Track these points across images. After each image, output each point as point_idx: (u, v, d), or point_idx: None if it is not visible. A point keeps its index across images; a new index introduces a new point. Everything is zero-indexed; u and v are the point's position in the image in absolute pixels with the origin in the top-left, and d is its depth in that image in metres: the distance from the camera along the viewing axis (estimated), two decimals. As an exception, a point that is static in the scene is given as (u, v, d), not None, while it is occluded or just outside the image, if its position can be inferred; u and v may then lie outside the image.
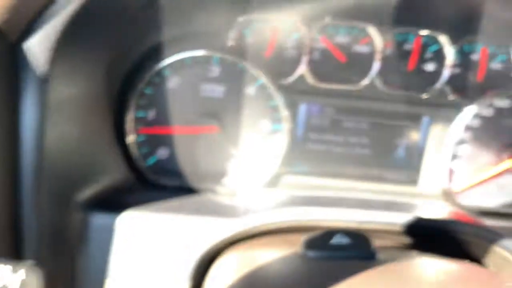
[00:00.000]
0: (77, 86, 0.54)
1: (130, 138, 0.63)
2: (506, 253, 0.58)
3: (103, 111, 0.61)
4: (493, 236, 0.59)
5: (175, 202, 0.61)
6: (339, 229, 0.53)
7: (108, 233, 0.58)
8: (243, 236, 0.54)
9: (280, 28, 0.65)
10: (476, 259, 0.54)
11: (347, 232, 0.55)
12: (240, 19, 0.64)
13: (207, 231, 0.55)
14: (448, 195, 0.69)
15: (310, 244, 0.50)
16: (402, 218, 0.57)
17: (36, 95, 0.47)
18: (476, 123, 0.66)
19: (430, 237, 0.59)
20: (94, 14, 0.50)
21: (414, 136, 0.68)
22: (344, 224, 0.56)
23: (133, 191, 0.63)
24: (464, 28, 0.67)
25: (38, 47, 0.46)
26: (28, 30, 0.47)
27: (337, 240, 0.52)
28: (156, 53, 0.62)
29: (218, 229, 0.54)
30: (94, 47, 0.54)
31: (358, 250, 0.51)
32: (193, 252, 0.52)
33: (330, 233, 0.56)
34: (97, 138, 0.58)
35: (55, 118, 0.50)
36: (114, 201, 0.59)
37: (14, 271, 0.35)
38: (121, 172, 0.63)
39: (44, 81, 0.46)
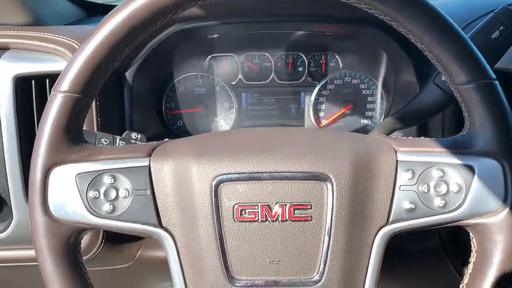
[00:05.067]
0: (144, 88, 1.05)
1: (165, 117, 1.21)
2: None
3: (153, 105, 1.19)
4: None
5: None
6: None
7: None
8: None
9: (227, 59, 1.19)
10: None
11: None
12: (209, 56, 1.19)
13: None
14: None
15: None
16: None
17: (128, 92, 1.12)
18: (325, 92, 1.18)
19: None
20: (150, 58, 1.00)
21: (298, 102, 1.19)
22: None
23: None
24: (313, 48, 1.17)
25: (129, 73, 1.12)
26: (126, 67, 0.99)
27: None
28: (171, 75, 1.14)
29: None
30: (149, 74, 1.05)
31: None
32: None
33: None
34: (152, 115, 1.20)
35: (135, 104, 1.02)
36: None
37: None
38: (161, 131, 1.16)
39: (130, 87, 1.13)
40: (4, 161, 0.87)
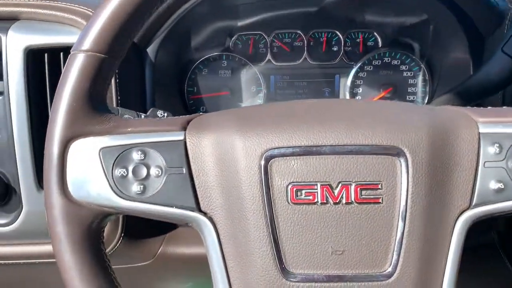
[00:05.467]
0: (166, 66, 1.00)
1: (187, 101, 1.14)
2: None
3: (176, 87, 1.12)
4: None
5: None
6: None
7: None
8: None
9: (254, 37, 1.12)
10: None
11: None
12: (236, 35, 1.12)
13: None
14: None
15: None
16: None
17: (150, 70, 1.03)
18: (362, 74, 1.10)
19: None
20: (172, 33, 0.95)
21: (332, 85, 1.12)
22: None
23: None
24: (349, 25, 1.10)
25: (151, 50, 1.03)
26: (147, 43, 0.95)
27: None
28: (194, 55, 1.11)
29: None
30: (172, 51, 1.01)
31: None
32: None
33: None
34: (174, 98, 1.11)
35: (157, 84, 0.97)
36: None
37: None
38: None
39: (152, 64, 1.03)
40: (14, 143, 0.78)
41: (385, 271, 0.54)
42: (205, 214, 0.54)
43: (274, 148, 0.54)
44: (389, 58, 1.11)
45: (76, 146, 0.53)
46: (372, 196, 0.53)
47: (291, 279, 0.54)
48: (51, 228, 0.55)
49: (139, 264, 1.03)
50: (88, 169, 0.53)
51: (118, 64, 0.58)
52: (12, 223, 0.85)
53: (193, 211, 0.54)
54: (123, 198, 0.54)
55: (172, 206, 0.54)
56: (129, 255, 1.00)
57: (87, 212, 0.54)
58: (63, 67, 0.85)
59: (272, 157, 0.54)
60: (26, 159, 0.82)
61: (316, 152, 0.54)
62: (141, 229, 0.98)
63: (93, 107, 0.54)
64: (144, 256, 1.03)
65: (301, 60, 1.10)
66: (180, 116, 0.62)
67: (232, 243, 0.55)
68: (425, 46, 1.08)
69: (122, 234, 0.92)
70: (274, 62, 1.10)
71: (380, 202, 0.53)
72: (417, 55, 1.10)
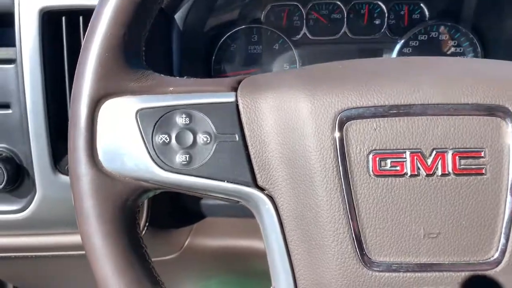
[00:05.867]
0: (194, 35, 0.93)
1: None
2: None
3: (203, 60, 1.02)
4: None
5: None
6: None
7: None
8: None
9: (289, 9, 1.02)
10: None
11: None
12: (268, 6, 1.02)
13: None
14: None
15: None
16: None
17: (177, 39, 0.93)
18: (407, 50, 1.01)
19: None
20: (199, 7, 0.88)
21: None
22: None
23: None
24: None
25: (179, 16, 0.93)
26: (175, 8, 0.85)
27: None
28: (223, 26, 1.02)
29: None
30: (201, 19, 0.94)
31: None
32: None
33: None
34: (201, 70, 1.02)
35: (184, 52, 0.88)
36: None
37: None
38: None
39: (180, 32, 0.93)
40: (27, 119, 0.69)
41: (490, 258, 0.44)
42: (262, 190, 0.46)
43: (351, 108, 0.45)
44: (437, 33, 1.02)
45: (108, 107, 0.45)
46: (473, 166, 0.44)
47: (374, 269, 0.44)
48: (78, 205, 0.45)
49: (164, 258, 0.93)
50: (122, 135, 0.46)
51: (155, 13, 0.49)
52: (24, 210, 0.78)
53: (248, 186, 0.46)
54: (165, 170, 0.46)
55: (223, 180, 0.46)
56: (154, 248, 0.90)
57: (121, 187, 0.45)
58: (82, 34, 0.76)
59: (348, 119, 0.44)
60: (41, 136, 0.74)
61: (404, 113, 0.44)
62: (167, 218, 0.89)
63: (128, 60, 0.46)
64: (170, 248, 0.93)
65: (340, 34, 1.01)
66: (226, 78, 0.53)
67: (297, 225, 0.46)
68: (477, 16, 0.97)
69: (147, 224, 0.83)
70: (310, 36, 1.01)
71: (483, 173, 0.44)
72: (468, 28, 0.99)
